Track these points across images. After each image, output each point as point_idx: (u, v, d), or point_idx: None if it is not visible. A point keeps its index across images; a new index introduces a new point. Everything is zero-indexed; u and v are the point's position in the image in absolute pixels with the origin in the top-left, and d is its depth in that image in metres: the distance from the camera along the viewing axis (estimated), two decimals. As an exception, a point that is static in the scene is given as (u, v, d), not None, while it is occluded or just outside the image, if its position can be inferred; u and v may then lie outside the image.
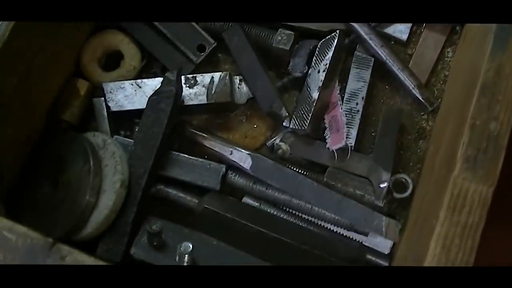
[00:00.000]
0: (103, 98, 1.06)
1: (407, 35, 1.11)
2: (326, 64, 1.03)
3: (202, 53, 1.08)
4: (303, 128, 1.01)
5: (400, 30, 1.10)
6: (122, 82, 1.06)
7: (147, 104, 1.02)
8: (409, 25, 1.11)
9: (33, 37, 0.94)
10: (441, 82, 1.09)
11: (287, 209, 1.02)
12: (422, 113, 1.08)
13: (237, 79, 1.06)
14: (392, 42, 1.11)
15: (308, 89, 1.03)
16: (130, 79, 1.07)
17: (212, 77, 1.05)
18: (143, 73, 1.10)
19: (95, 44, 1.09)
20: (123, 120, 1.07)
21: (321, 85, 1.02)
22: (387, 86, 1.09)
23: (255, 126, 1.07)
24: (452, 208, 0.77)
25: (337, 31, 1.05)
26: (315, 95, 1.02)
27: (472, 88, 0.83)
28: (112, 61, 1.10)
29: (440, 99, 1.07)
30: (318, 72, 1.03)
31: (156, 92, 1.02)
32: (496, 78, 0.81)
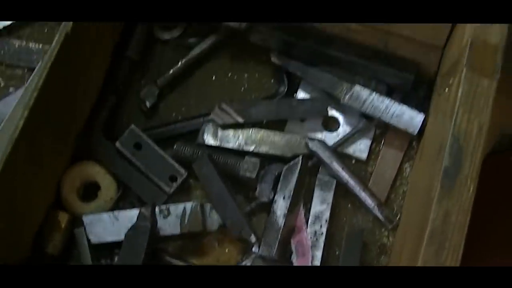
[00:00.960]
0: (83, 229, 1.12)
1: (367, 153, 1.17)
2: (291, 190, 1.10)
3: (174, 183, 1.14)
4: (271, 255, 1.08)
5: (360, 150, 1.17)
6: (101, 214, 1.12)
7: (124, 239, 1.07)
8: (368, 144, 1.17)
9: (17, 173, 0.99)
10: (400, 198, 1.16)
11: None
12: (383, 230, 1.14)
13: (208, 206, 1.12)
14: (353, 161, 1.18)
15: (275, 215, 1.10)
16: (108, 210, 1.13)
17: (184, 207, 1.11)
18: (120, 201, 1.16)
19: (73, 175, 1.15)
20: (104, 249, 1.13)
21: (286, 212, 1.09)
22: (349, 205, 1.16)
23: (227, 250, 1.14)
24: None
25: (300, 157, 1.12)
26: (281, 222, 1.08)
27: (422, 232, 0.90)
28: (89, 191, 1.16)
29: (399, 216, 1.14)
30: (284, 198, 1.10)
31: (132, 227, 1.08)
32: (444, 226, 0.88)
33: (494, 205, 1.20)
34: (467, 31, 0.99)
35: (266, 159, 1.15)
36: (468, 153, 0.91)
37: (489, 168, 0.97)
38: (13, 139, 0.96)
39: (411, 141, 1.18)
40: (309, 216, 1.12)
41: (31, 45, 1.25)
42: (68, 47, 1.01)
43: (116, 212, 1.12)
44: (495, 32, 0.96)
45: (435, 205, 0.89)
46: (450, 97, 0.98)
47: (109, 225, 1.12)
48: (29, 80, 1.18)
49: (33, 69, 1.22)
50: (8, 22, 1.26)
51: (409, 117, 1.13)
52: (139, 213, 1.09)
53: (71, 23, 1.01)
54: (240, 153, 1.15)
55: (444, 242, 0.88)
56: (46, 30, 1.26)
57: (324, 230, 1.11)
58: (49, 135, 1.06)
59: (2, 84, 1.24)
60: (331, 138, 1.17)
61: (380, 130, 1.18)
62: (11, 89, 1.23)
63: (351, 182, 1.12)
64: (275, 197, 1.12)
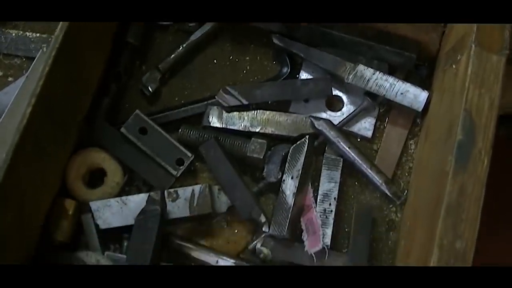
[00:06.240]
0: (90, 215, 1.12)
1: (372, 131, 1.18)
2: (299, 170, 1.10)
3: (181, 167, 1.14)
4: (282, 234, 1.08)
5: (365, 128, 1.18)
6: (108, 200, 1.12)
7: (134, 224, 1.08)
8: (373, 122, 1.18)
9: (24, 163, 0.98)
10: (407, 174, 1.17)
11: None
12: (390, 206, 1.15)
13: (216, 188, 1.13)
14: (359, 139, 1.19)
15: (284, 195, 1.10)
16: (115, 196, 1.13)
17: (193, 190, 1.11)
18: (126, 186, 1.15)
19: (79, 163, 1.14)
20: (112, 234, 1.13)
21: (295, 191, 1.09)
22: (356, 183, 1.17)
23: (236, 231, 1.14)
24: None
25: (307, 137, 1.12)
26: (291, 201, 1.09)
27: (438, 206, 0.91)
28: (96, 178, 1.16)
29: (406, 191, 1.15)
30: (292, 178, 1.11)
31: (142, 212, 1.08)
32: (460, 198, 0.89)
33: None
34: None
35: (272, 140, 1.16)
36: (481, 127, 0.92)
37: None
38: (20, 128, 0.95)
39: (414, 119, 1.19)
40: (317, 195, 1.13)
41: (28, 34, 1.24)
42: (71, 36, 1.01)
43: (124, 198, 1.12)
44: (502, 8, 0.98)
45: (451, 179, 0.90)
46: (459, 73, 0.99)
47: (117, 211, 1.11)
48: (29, 69, 1.17)
49: (32, 58, 1.21)
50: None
51: (413, 95, 1.14)
52: (148, 197, 1.09)
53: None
54: (246, 135, 1.15)
55: (461, 215, 0.89)
56: (42, 18, 1.25)
57: (333, 207, 1.12)
58: (53, 123, 1.05)
59: (1, 74, 1.23)
60: (335, 117, 1.18)
61: (384, 108, 1.19)
62: (10, 79, 1.22)
63: (358, 160, 1.13)
64: (283, 177, 1.12)
